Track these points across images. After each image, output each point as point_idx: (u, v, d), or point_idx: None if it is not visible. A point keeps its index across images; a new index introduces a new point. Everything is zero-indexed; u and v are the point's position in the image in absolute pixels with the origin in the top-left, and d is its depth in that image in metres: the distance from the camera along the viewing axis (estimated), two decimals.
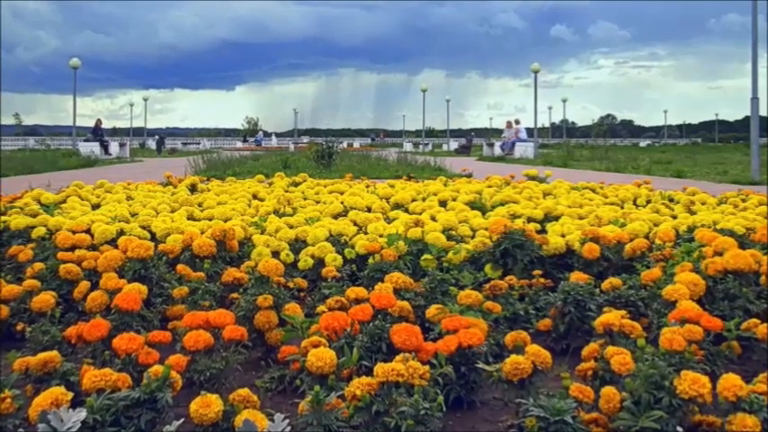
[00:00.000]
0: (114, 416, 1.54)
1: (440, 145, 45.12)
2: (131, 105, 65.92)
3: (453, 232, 3.65)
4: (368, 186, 6.31)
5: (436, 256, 3.11)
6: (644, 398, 1.60)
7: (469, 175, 8.41)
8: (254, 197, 5.53)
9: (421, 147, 39.22)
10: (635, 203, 5.18)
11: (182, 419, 1.56)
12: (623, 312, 2.17)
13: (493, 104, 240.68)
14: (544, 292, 2.73)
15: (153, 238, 3.49)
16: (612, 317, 2.08)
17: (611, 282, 2.66)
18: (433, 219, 3.92)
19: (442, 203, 4.91)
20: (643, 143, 60.87)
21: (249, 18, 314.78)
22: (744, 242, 3.04)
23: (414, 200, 5.09)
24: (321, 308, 2.38)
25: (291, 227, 3.72)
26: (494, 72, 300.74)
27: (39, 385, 1.83)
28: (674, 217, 4.20)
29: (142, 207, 4.56)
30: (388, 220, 4.08)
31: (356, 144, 47.66)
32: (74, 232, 3.39)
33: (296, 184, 6.65)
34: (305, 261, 3.17)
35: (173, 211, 4.39)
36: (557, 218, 4.15)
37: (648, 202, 5.19)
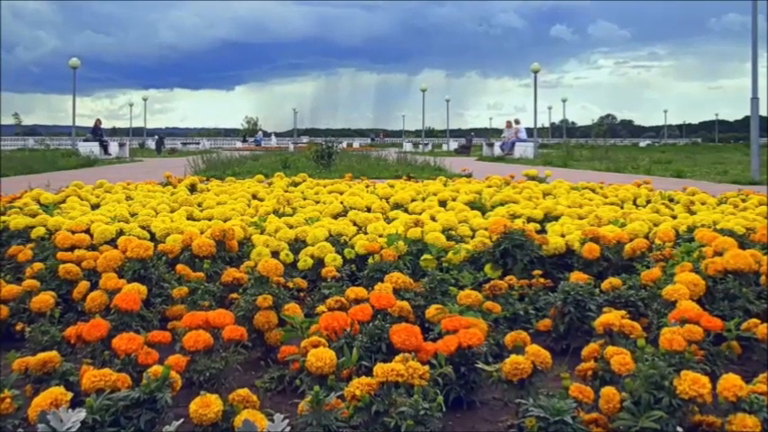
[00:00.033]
0: (114, 416, 1.54)
1: (439, 145, 45.12)
2: (131, 105, 66.04)
3: (453, 232, 3.65)
4: (367, 186, 6.30)
5: (436, 256, 3.11)
6: (644, 398, 1.59)
7: (469, 175, 8.41)
8: (254, 197, 5.53)
9: (421, 147, 39.20)
10: (635, 203, 5.17)
11: (181, 420, 1.56)
12: (623, 312, 2.16)
13: (493, 104, 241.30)
14: (544, 293, 2.72)
15: (152, 238, 3.49)
16: (612, 317, 2.07)
17: (611, 282, 2.65)
18: (433, 219, 3.92)
19: (442, 203, 4.91)
20: (643, 143, 60.86)
21: (249, 18, 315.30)
22: (744, 242, 3.04)
23: (413, 200, 5.08)
24: (321, 308, 2.38)
25: (291, 227, 3.72)
26: (493, 72, 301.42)
27: (38, 385, 1.83)
28: (674, 217, 4.20)
29: (142, 207, 4.56)
30: (388, 220, 4.08)
31: (356, 144, 47.70)
32: (73, 232, 3.39)
33: (295, 184, 6.65)
34: (304, 261, 3.17)
35: (172, 212, 4.39)
36: (556, 218, 4.15)
37: (648, 202, 5.19)
